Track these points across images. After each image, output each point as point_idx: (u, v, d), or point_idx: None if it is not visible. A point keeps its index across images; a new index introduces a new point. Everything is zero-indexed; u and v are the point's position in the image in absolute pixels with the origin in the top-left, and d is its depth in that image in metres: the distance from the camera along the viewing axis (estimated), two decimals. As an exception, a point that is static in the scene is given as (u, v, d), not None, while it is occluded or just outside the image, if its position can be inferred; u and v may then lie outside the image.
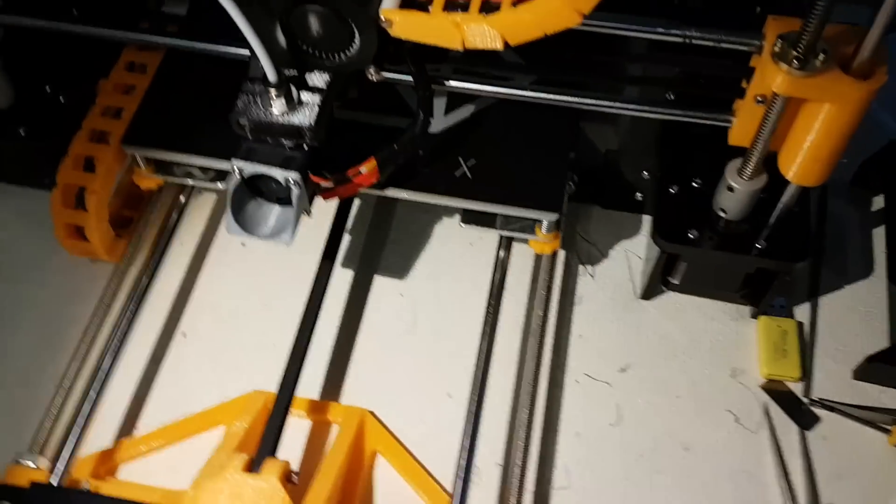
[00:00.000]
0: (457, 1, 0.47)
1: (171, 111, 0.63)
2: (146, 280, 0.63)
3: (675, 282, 0.65)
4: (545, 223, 0.60)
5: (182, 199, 0.68)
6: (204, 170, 0.64)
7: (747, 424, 0.60)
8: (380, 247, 0.69)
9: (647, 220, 0.70)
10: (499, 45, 0.47)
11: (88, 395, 0.57)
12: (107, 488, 0.53)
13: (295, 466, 0.52)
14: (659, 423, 0.60)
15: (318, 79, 0.52)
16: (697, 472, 0.58)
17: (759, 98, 0.50)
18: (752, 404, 0.61)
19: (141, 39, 0.61)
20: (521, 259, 0.67)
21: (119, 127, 0.63)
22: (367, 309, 0.66)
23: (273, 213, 0.54)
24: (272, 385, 0.60)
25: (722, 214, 0.58)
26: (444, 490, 0.57)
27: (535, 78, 0.61)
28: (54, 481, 0.53)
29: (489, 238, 0.67)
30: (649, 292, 0.66)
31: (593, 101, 0.56)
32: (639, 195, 0.69)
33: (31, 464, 0.54)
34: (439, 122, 0.63)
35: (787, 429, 0.60)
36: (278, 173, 0.51)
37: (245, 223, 0.53)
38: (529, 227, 0.61)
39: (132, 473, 0.57)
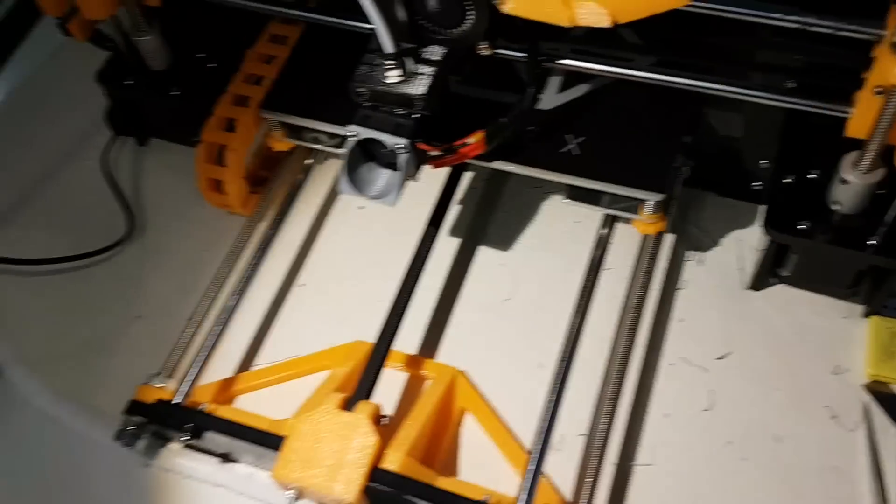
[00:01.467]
0: (568, -21, 0.49)
1: (306, 81, 0.69)
2: (272, 233, 0.69)
3: (786, 274, 0.63)
4: (649, 203, 0.60)
5: (310, 161, 0.73)
6: (330, 136, 0.69)
7: (844, 422, 0.58)
8: (486, 219, 0.72)
9: (763, 211, 0.68)
10: (607, 23, 0.48)
11: (213, 330, 0.64)
12: (221, 412, 0.59)
13: (387, 412, 0.56)
14: (752, 413, 0.60)
15: (434, 52, 0.55)
16: (786, 464, 0.57)
17: (878, 89, 0.48)
18: (851, 403, 0.59)
19: (282, 12, 0.67)
20: (630, 239, 0.68)
21: (259, 93, 0.69)
22: (469, 276, 0.69)
23: (382, 177, 0.58)
24: (374, 337, 0.64)
25: (836, 208, 0.56)
26: (526, 452, 0.59)
27: (653, 60, 0.61)
28: (177, 401, 0.60)
29: (595, 217, 0.68)
30: (758, 283, 0.65)
31: (711, 85, 0.56)
32: (756, 184, 0.67)
33: (159, 384, 0.61)
34: (552, 99, 0.64)
35: (887, 431, 0.58)
36: (388, 139, 0.54)
37: (356, 183, 0.57)
38: (633, 206, 0.62)
39: (244, 403, 0.63)
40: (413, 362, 0.64)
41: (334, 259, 0.72)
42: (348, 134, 0.55)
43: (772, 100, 0.55)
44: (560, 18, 0.49)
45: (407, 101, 0.54)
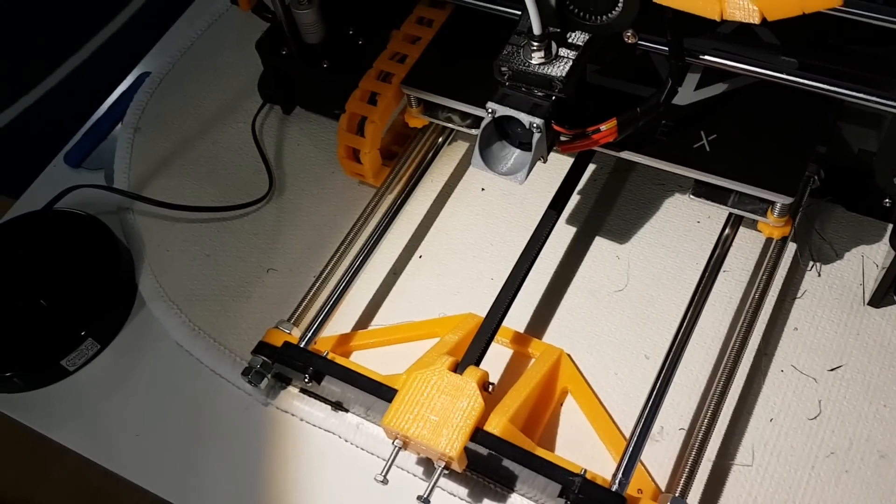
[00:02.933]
0: (718, -26, 0.50)
1: (447, 61, 0.72)
2: (398, 205, 0.73)
3: (910, 293, 0.62)
4: (778, 206, 0.60)
5: (440, 140, 0.77)
6: (463, 116, 0.72)
7: (959, 449, 0.56)
8: (606, 210, 0.73)
9: (891, 229, 0.67)
10: (756, 19, 0.49)
11: (337, 288, 0.68)
12: (339, 362, 0.63)
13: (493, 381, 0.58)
14: (859, 427, 0.59)
15: (578, 37, 0.57)
16: (889, 481, 0.56)
17: None
18: (972, 434, 0.57)
19: None
20: (749, 243, 0.68)
21: (402, 70, 0.73)
22: (583, 264, 0.71)
23: (513, 155, 0.60)
24: (485, 313, 0.67)
25: (973, 227, 0.55)
26: (624, 437, 0.60)
27: (795, 63, 0.61)
28: (301, 346, 0.64)
29: (716, 218, 0.69)
30: (878, 300, 0.63)
31: (856, 94, 0.56)
32: (887, 201, 0.66)
33: (287, 330, 0.66)
34: (687, 95, 0.65)
35: None
36: (525, 118, 0.57)
37: (487, 159, 0.60)
38: (761, 208, 0.62)
39: (358, 358, 0.67)
40: (520, 339, 0.66)
41: (452, 235, 0.75)
42: (487, 110, 0.58)
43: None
44: (711, 11, 0.50)
45: (547, 82, 0.57)
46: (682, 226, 0.71)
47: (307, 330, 0.66)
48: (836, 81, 0.57)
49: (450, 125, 0.73)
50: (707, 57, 0.59)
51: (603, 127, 0.60)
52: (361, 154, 0.73)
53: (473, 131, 0.73)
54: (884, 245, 0.67)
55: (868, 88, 0.56)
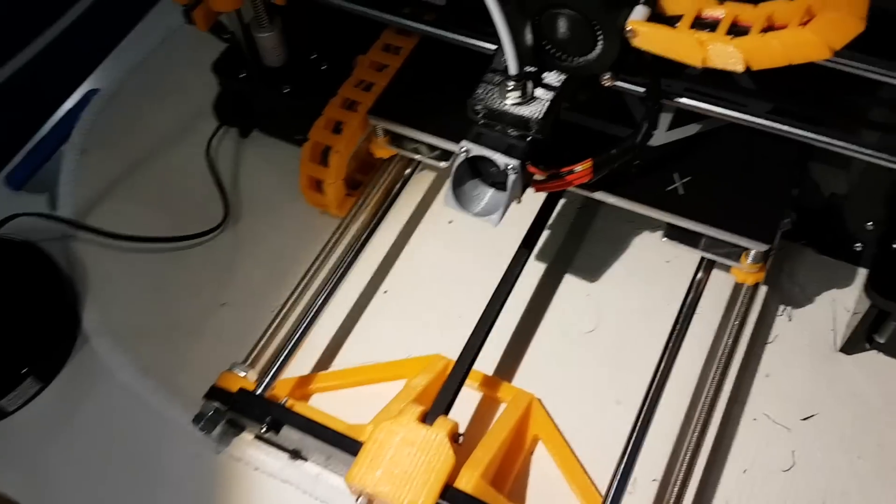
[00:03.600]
0: (705, 20, 0.48)
1: (415, 92, 0.70)
2: (364, 237, 0.70)
3: (881, 341, 0.61)
4: (752, 252, 0.59)
5: (407, 171, 0.74)
6: (431, 148, 0.70)
7: (933, 503, 0.56)
8: (576, 247, 0.72)
9: (862, 273, 0.67)
10: (740, 68, 0.47)
11: (297, 326, 0.65)
12: (299, 408, 0.60)
13: (461, 430, 0.56)
14: (833, 479, 0.58)
15: (553, 77, 0.55)
16: (866, 539, 0.55)
17: None
18: (943, 485, 0.57)
19: (400, 23, 0.67)
20: (718, 285, 0.67)
21: (368, 99, 0.70)
22: (553, 303, 0.69)
23: (487, 195, 0.58)
24: (453, 353, 0.64)
25: (948, 279, 0.55)
26: (598, 491, 0.58)
27: (769, 106, 0.60)
28: (258, 392, 0.61)
29: (687, 258, 0.67)
30: (851, 347, 0.63)
31: (827, 140, 0.55)
32: (858, 245, 0.66)
33: (242, 373, 0.62)
34: (661, 136, 0.64)
35: (981, 521, 0.55)
36: (500, 158, 0.55)
37: (461, 198, 0.57)
38: (735, 253, 0.61)
39: (321, 402, 0.64)
40: (490, 383, 0.63)
41: (419, 270, 0.72)
42: (460, 149, 0.56)
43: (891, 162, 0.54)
44: (692, 58, 0.48)
45: (522, 122, 0.54)
46: (652, 265, 0.70)
47: (264, 373, 0.62)
48: (808, 126, 0.56)
49: (417, 157, 0.71)
50: (683, 100, 0.57)
51: (578, 168, 0.58)
52: (325, 185, 0.70)
53: (442, 164, 0.70)
54: (854, 289, 0.66)
55: (839, 134, 0.55)
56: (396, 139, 0.71)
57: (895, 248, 0.58)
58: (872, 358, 0.63)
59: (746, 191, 0.60)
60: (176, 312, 0.70)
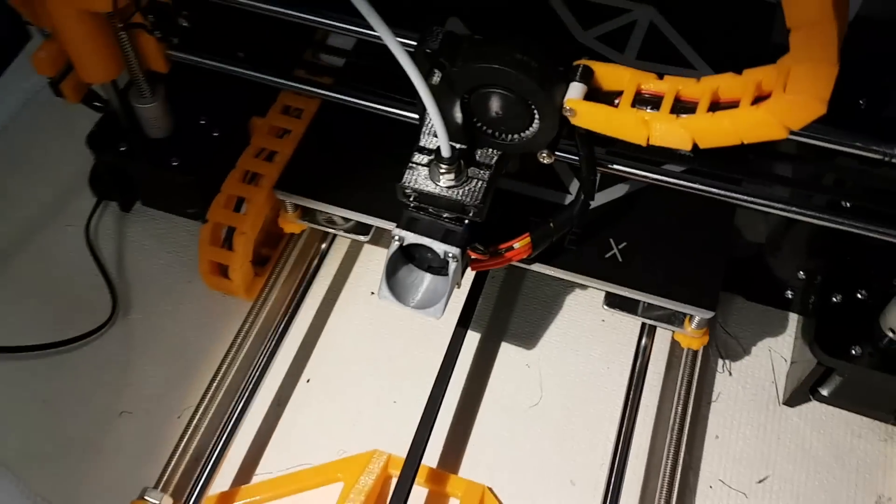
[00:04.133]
0: (645, 97, 0.45)
1: (324, 160, 0.63)
2: (280, 323, 0.64)
3: (824, 393, 0.61)
4: (697, 318, 0.57)
5: (323, 246, 0.68)
6: (345, 218, 0.64)
7: (895, 562, 0.56)
8: (508, 312, 0.68)
9: (793, 319, 0.66)
10: (688, 147, 0.45)
11: (216, 436, 0.58)
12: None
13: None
14: (795, 545, 0.57)
15: (487, 155, 0.51)
16: None
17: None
18: (899, 539, 0.57)
19: (297, 88, 0.61)
20: (656, 344, 0.65)
21: (272, 170, 0.63)
22: (492, 377, 0.65)
23: (424, 282, 0.53)
24: (391, 445, 0.59)
25: (890, 335, 0.54)
26: (562, 586, 0.55)
27: (692, 165, 0.58)
28: (179, 525, 0.53)
29: (622, 317, 0.65)
30: (795, 400, 0.62)
31: (753, 199, 0.54)
32: (789, 293, 0.65)
33: (155, 500, 0.54)
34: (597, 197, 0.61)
35: (938, 572, 0.56)
36: (439, 247, 0.50)
37: (396, 290, 0.52)
38: (678, 319, 0.59)
39: (251, 524, 0.57)
40: (438, 478, 0.59)
41: (343, 351, 0.66)
42: (393, 238, 0.50)
43: (829, 221, 0.53)
44: (636, 137, 0.45)
45: (459, 206, 0.50)
46: (589, 326, 0.67)
47: (181, 497, 0.55)
48: (733, 187, 0.54)
49: (332, 230, 0.65)
50: (617, 166, 0.54)
51: (516, 245, 0.54)
52: (231, 270, 0.63)
53: (361, 238, 0.65)
54: (788, 337, 0.66)
55: (756, 190, 0.54)
56: (308, 213, 0.65)
57: (835, 301, 0.57)
58: (816, 409, 0.62)
59: (684, 253, 0.58)
60: (69, 427, 0.61)
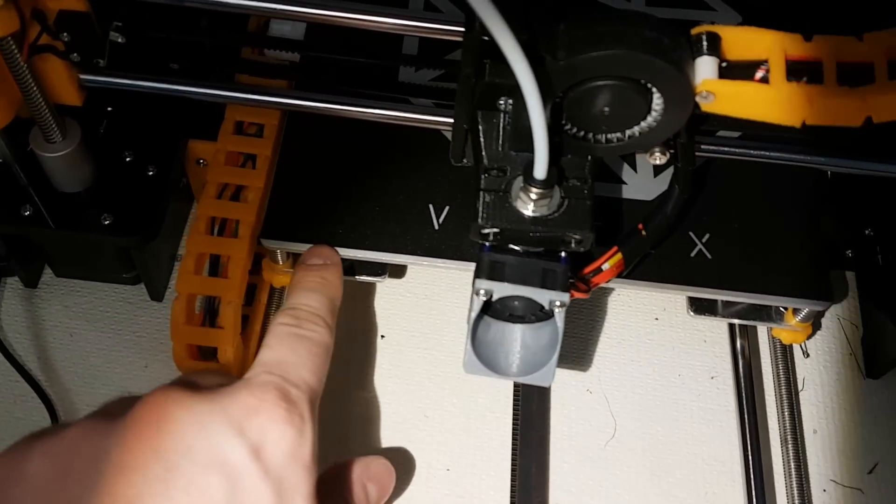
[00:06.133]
0: (798, 68, 0.35)
1: (316, 190, 0.49)
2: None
3: (912, 357, 0.55)
4: (805, 311, 0.49)
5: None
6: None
7: None
8: (551, 330, 0.57)
9: (851, 279, 0.60)
10: (858, 124, 0.35)
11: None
12: None
13: None
14: (927, 535, 0.51)
15: (575, 165, 0.39)
16: None
17: None
18: None
19: (243, 100, 0.47)
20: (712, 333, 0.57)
21: (246, 212, 0.48)
22: (554, 416, 0.54)
23: (516, 339, 0.41)
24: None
25: None
26: None
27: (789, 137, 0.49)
28: None
29: (673, 310, 0.56)
30: (878, 370, 0.56)
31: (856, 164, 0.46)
32: (850, 252, 0.59)
33: None
34: (651, 185, 0.51)
35: None
36: (543, 296, 0.38)
37: (481, 354, 0.40)
38: (776, 311, 0.51)
39: None
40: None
41: (368, 410, 0.53)
42: (479, 292, 0.38)
43: None
44: (792, 118, 0.36)
45: (558, 239, 0.38)
46: (643, 328, 0.57)
47: None
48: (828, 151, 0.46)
49: (333, 275, 0.51)
50: (715, 147, 0.44)
51: (606, 265, 0.43)
52: (221, 351, 0.48)
53: (376, 279, 0.51)
54: (852, 300, 0.59)
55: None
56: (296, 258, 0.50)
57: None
58: (902, 375, 0.57)
59: (780, 237, 0.49)
60: None
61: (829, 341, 0.58)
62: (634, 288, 0.48)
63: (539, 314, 0.40)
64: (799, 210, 0.50)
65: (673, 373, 0.56)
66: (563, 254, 0.39)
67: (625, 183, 0.51)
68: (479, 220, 0.37)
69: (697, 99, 0.35)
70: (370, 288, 0.58)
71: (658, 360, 0.56)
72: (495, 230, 0.38)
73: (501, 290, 0.38)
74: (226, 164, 0.50)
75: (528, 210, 0.38)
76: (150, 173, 0.51)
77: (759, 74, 0.35)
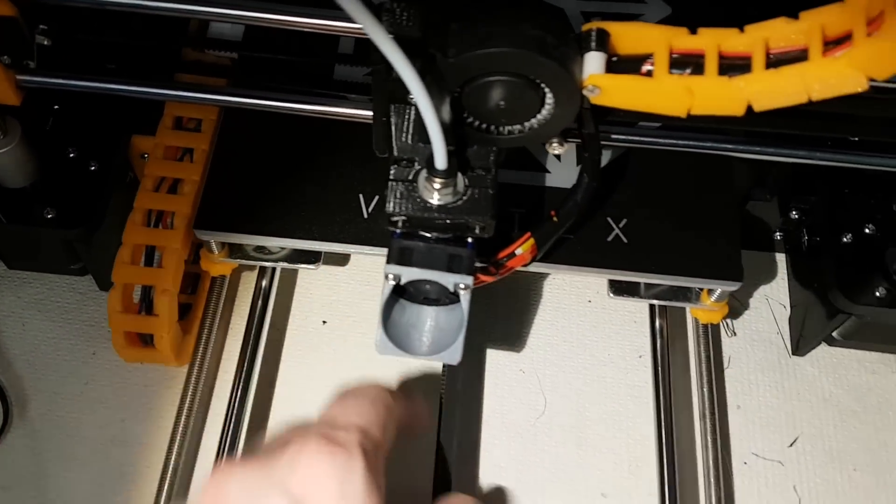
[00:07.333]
0: (677, 58, 0.37)
1: (249, 181, 0.51)
2: (238, 385, 0.52)
3: (836, 336, 0.57)
4: (718, 291, 0.51)
5: (264, 283, 0.55)
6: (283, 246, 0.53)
7: (943, 497, 0.54)
8: (485, 312, 0.59)
9: (780, 260, 0.62)
10: (741, 113, 0.37)
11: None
12: None
13: None
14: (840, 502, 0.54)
15: (480, 155, 0.41)
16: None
17: None
18: (940, 472, 0.55)
19: (182, 97, 0.48)
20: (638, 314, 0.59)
21: (182, 204, 0.50)
22: (487, 394, 0.56)
23: (426, 320, 0.43)
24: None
25: (915, 267, 0.51)
26: None
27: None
28: None
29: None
30: (804, 348, 0.58)
31: (761, 149, 0.48)
32: (778, 234, 0.61)
33: None
34: (572, 172, 0.53)
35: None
36: (448, 279, 0.40)
37: (393, 336, 0.42)
38: (692, 292, 0.53)
39: None
40: None
41: (307, 404, 0.54)
42: (389, 276, 0.40)
43: (840, 161, 0.48)
44: (676, 109, 0.37)
45: (462, 225, 0.40)
46: (576, 311, 0.60)
47: None
48: (728, 138, 0.48)
49: (269, 263, 0.53)
50: (619, 136, 0.46)
51: (518, 250, 0.45)
52: (157, 338, 0.50)
53: (308, 267, 0.53)
54: (781, 280, 0.62)
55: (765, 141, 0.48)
56: (236, 249, 0.52)
57: (846, 241, 0.53)
58: (827, 354, 0.59)
59: (694, 221, 0.51)
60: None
61: (758, 321, 0.60)
62: (556, 272, 0.51)
63: (451, 297, 0.42)
64: (713, 195, 0.52)
65: (603, 352, 0.58)
66: (469, 240, 0.41)
67: (549, 172, 0.53)
68: (388, 208, 0.39)
69: (585, 92, 0.37)
70: (313, 275, 0.60)
71: (589, 341, 0.59)
72: (403, 217, 0.40)
73: (409, 274, 0.40)
74: (164, 158, 0.52)
75: (433, 199, 0.40)
76: (93, 168, 0.53)
77: (646, 68, 0.37)
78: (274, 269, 0.56)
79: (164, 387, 0.54)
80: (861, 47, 0.33)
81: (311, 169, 0.51)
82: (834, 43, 0.35)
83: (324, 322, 0.58)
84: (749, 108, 0.37)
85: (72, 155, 0.53)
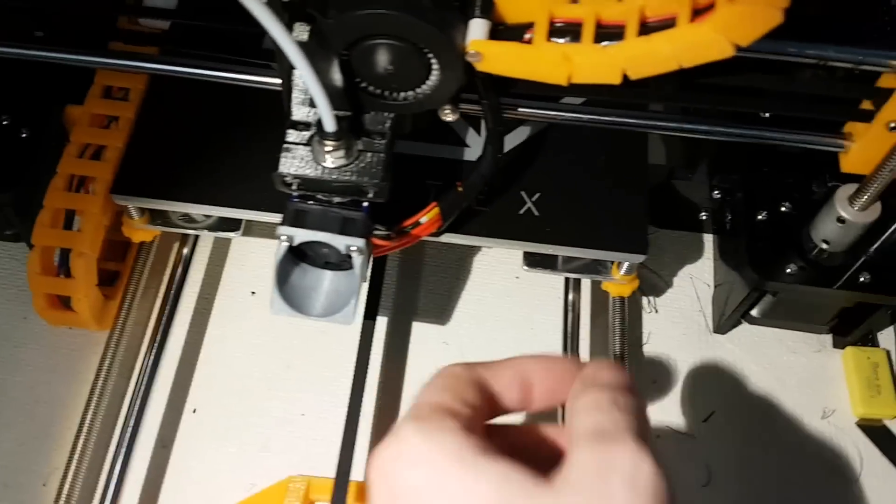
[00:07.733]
0: (559, 27, 0.38)
1: (168, 149, 0.52)
2: (152, 350, 0.53)
3: (756, 314, 0.58)
4: (626, 265, 0.52)
5: (185, 251, 0.57)
6: (206, 215, 0.54)
7: (847, 474, 0.54)
8: (413, 287, 0.60)
9: (708, 240, 0.63)
10: (617, 81, 0.38)
11: (99, 499, 0.48)
12: None
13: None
14: (753, 480, 0.54)
15: (376, 121, 0.42)
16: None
17: (894, 125, 0.43)
18: (849, 449, 0.55)
19: (112, 65, 0.49)
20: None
21: (103, 170, 0.51)
22: (409, 366, 0.57)
23: (323, 283, 0.44)
24: (307, 466, 0.51)
25: (824, 246, 0.52)
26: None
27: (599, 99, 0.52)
28: None
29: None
30: (725, 326, 0.59)
31: (670, 125, 0.48)
32: (703, 214, 0.62)
33: None
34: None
35: (890, 475, 0.55)
36: (339, 241, 0.41)
37: (291, 298, 0.43)
38: (603, 266, 0.54)
39: None
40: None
41: (232, 370, 0.56)
42: (280, 239, 0.41)
43: (747, 136, 0.48)
44: (556, 76, 0.38)
45: (355, 188, 0.41)
46: (503, 286, 0.61)
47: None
48: (644, 114, 0.48)
49: (192, 231, 0.54)
50: (523, 109, 0.47)
51: (423, 219, 0.47)
52: (74, 300, 0.51)
53: (230, 235, 0.54)
54: (707, 260, 0.62)
55: (677, 117, 0.49)
56: (158, 215, 0.53)
57: (761, 219, 0.54)
58: (748, 332, 0.59)
59: (603, 195, 0.52)
60: None
61: (681, 300, 0.61)
62: (468, 242, 0.51)
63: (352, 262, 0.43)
64: (626, 172, 0.53)
65: (527, 328, 0.59)
66: (364, 204, 0.42)
67: (468, 146, 0.54)
68: (279, 171, 0.40)
69: (468, 58, 0.38)
70: (245, 246, 0.61)
71: (515, 316, 0.60)
72: (298, 180, 0.41)
73: (301, 235, 0.41)
74: (90, 125, 0.53)
75: (327, 162, 0.41)
76: (24, 136, 0.54)
77: (528, 36, 0.38)
78: (197, 238, 0.57)
79: (91, 351, 0.55)
80: (722, 12, 0.34)
81: (234, 137, 0.52)
82: (704, 10, 0.36)
83: (252, 293, 0.59)
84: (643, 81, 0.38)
85: (4, 122, 0.54)
